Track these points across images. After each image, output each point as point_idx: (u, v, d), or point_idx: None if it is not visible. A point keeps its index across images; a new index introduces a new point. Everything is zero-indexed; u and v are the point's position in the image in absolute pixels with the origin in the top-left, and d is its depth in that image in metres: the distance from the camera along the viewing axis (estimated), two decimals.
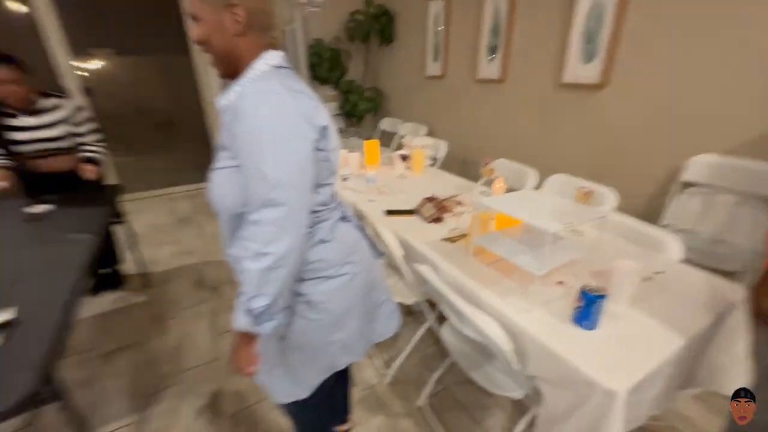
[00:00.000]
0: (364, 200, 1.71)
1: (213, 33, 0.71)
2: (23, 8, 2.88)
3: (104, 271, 2.19)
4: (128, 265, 2.31)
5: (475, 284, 1.07)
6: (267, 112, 0.64)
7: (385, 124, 3.48)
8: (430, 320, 1.38)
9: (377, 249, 0.99)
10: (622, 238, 1.33)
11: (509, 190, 1.62)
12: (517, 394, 1.05)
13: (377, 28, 3.36)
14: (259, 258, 0.65)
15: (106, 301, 2.13)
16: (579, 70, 2.01)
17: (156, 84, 3.66)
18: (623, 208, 1.47)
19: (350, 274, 0.84)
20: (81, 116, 1.83)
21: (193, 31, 0.73)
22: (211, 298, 2.14)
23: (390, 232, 1.31)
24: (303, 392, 0.88)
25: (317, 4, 2.53)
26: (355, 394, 1.50)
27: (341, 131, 3.34)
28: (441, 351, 1.71)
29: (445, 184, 1.90)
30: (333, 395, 1.23)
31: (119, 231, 2.12)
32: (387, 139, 3.36)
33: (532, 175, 1.88)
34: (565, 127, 2.20)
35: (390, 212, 1.56)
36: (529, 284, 1.05)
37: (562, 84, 2.12)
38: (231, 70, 0.75)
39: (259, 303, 0.67)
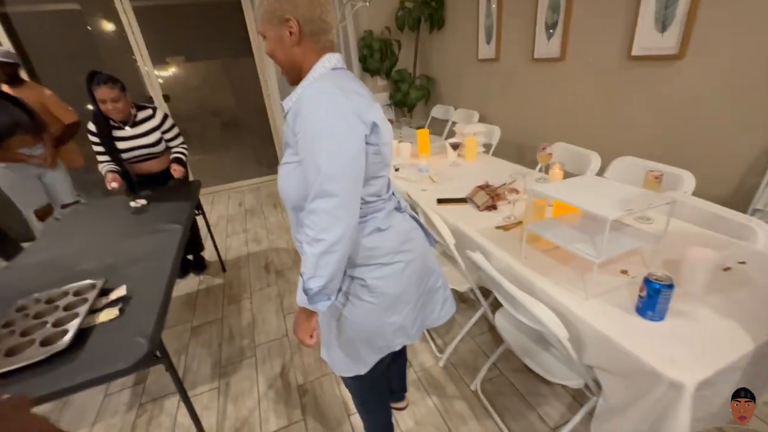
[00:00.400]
0: (417, 189, 1.75)
1: (276, 47, 0.81)
2: (112, 26, 3.30)
3: (190, 256, 2.50)
4: (208, 252, 2.60)
5: (529, 272, 1.07)
6: (322, 112, 0.71)
7: (437, 111, 3.45)
8: (484, 307, 1.40)
9: (431, 237, 1.03)
10: (700, 226, 1.22)
11: (569, 175, 1.56)
12: (575, 383, 1.04)
13: (427, 13, 3.31)
14: (314, 243, 0.73)
15: (193, 282, 2.43)
16: (652, 40, 1.83)
17: (222, 86, 3.99)
18: (703, 194, 1.33)
19: (404, 262, 0.90)
20: (168, 123, 2.08)
21: (265, 47, 0.83)
22: (278, 282, 2.34)
23: (442, 220, 1.34)
24: (361, 368, 0.96)
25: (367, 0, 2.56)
26: (411, 375, 1.57)
27: (392, 122, 3.38)
28: (495, 338, 1.71)
29: (499, 172, 1.87)
30: (389, 374, 1.31)
31: (200, 222, 2.40)
32: (439, 127, 3.34)
33: (594, 159, 1.77)
34: (634, 106, 2.02)
35: (441, 201, 1.59)
36: (588, 273, 1.03)
37: (631, 57, 1.94)
38: (296, 76, 0.83)
39: (315, 283, 0.75)
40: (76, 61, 3.29)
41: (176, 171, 2.02)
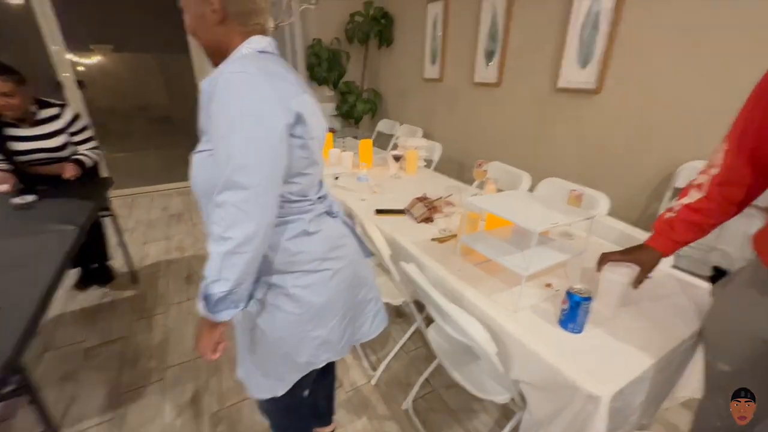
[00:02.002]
0: (356, 199, 1.69)
1: (197, 24, 0.72)
2: (18, 4, 2.87)
3: (93, 266, 2.17)
4: (117, 261, 2.28)
5: (460, 284, 1.06)
6: (238, 94, 0.63)
7: (383, 125, 3.48)
8: (418, 321, 1.36)
9: (366, 247, 0.97)
10: (613, 242, 1.32)
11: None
12: (503, 398, 1.03)
13: (377, 30, 3.37)
14: (219, 241, 0.63)
15: (94, 296, 2.10)
16: (575, 74, 2.01)
17: (155, 81, 3.66)
18: (616, 214, 1.45)
19: (332, 270, 0.83)
20: (79, 125, 1.82)
21: (186, 22, 0.74)
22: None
23: (378, 230, 1.29)
24: (279, 388, 0.86)
25: (313, 2, 2.52)
26: (340, 395, 1.48)
27: (336, 131, 3.33)
28: (429, 353, 1.68)
29: (438, 186, 1.89)
30: (315, 395, 1.21)
31: (108, 227, 2.10)
32: (384, 141, 3.35)
33: (525, 179, 1.87)
34: (560, 132, 2.19)
35: (380, 211, 1.55)
36: (516, 285, 1.04)
37: (558, 89, 2.12)
38: (219, 58, 0.74)
39: (219, 288, 0.65)
40: None
41: (67, 169, 1.74)
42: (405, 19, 3.30)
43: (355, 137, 3.34)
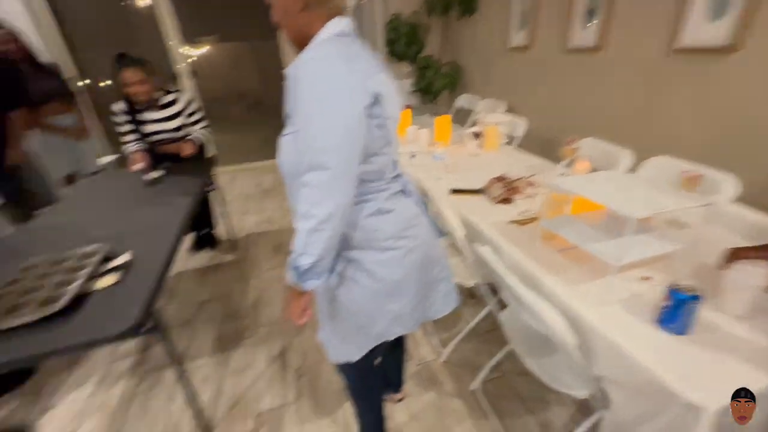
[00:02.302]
0: (431, 178, 1.68)
1: (282, 14, 0.76)
2: (145, 2, 3.34)
3: (203, 232, 2.54)
4: (220, 229, 2.63)
5: (540, 270, 0.99)
6: (319, 78, 0.66)
7: (462, 100, 3.33)
8: (491, 304, 1.33)
9: (438, 227, 0.97)
10: (743, 237, 1.10)
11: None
12: (581, 393, 0.96)
13: None
14: (304, 219, 0.69)
15: (204, 258, 2.47)
16: (702, 30, 1.66)
17: (249, 67, 3.99)
18: (749, 201, 1.20)
19: (406, 248, 0.84)
20: (192, 107, 2.10)
21: (272, 14, 0.79)
22: (286, 263, 2.34)
23: (452, 211, 1.27)
24: (354, 355, 0.92)
25: None
26: (410, 367, 1.53)
27: (415, 108, 3.29)
28: (501, 337, 1.64)
29: (520, 164, 1.77)
30: (386, 365, 1.27)
31: (214, 199, 2.42)
32: (464, 117, 3.22)
33: (626, 157, 1.64)
34: (675, 102, 1.85)
35: (455, 191, 1.51)
36: (605, 276, 0.94)
37: (676, 49, 1.78)
38: (302, 45, 0.77)
39: (305, 261, 0.71)
40: (109, 35, 3.38)
41: (184, 148, 2.02)
42: None
43: (435, 114, 3.26)
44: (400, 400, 1.39)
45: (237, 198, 3.43)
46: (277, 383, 1.51)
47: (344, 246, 0.81)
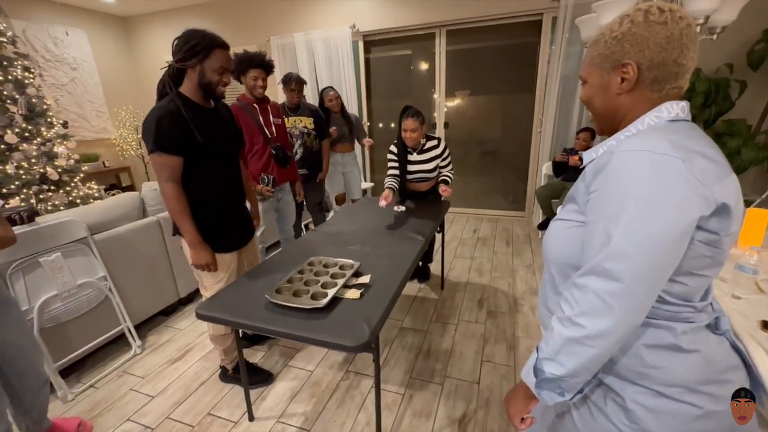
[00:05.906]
0: (727, 294, 1.20)
1: (596, 93, 0.69)
2: (425, 66, 4.09)
3: (419, 263, 2.78)
4: (434, 265, 2.81)
5: None
6: (640, 174, 0.54)
7: None
8: None
9: (761, 389, 0.65)
10: None
11: None
12: None
13: None
14: (567, 324, 0.58)
15: (413, 287, 2.69)
16: None
17: (493, 118, 4.21)
18: None
19: (701, 410, 0.60)
20: (446, 153, 2.39)
21: (581, 91, 0.74)
22: (486, 322, 2.23)
23: (765, 354, 0.85)
24: None
25: (717, 30, 1.98)
26: None
27: None
28: None
29: None
30: None
31: (437, 237, 2.61)
32: None
33: None
34: None
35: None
36: None
37: None
38: (611, 126, 0.70)
39: (551, 369, 0.60)
40: (391, 89, 4.36)
41: (445, 191, 2.26)
42: None
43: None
44: None
45: (452, 239, 3.61)
46: None
47: (603, 368, 0.65)
